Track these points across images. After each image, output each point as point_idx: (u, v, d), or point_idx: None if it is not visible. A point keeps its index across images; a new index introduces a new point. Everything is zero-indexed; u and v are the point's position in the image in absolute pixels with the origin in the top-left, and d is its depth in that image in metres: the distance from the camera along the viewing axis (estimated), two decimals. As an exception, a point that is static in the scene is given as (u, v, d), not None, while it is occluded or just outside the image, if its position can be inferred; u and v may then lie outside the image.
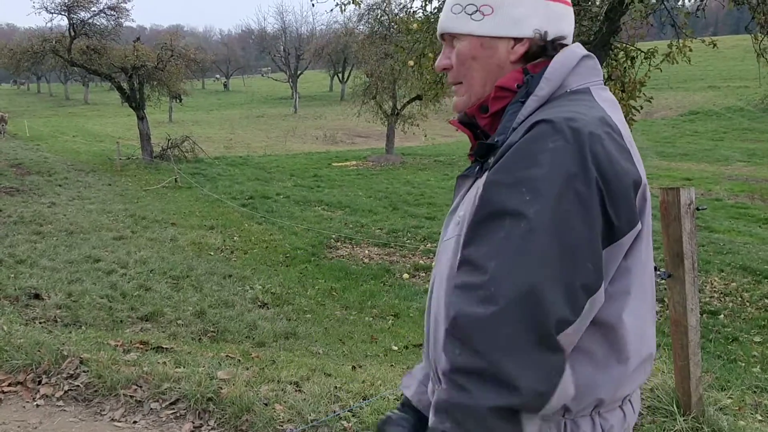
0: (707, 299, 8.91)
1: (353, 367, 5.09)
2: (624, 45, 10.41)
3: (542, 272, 1.03)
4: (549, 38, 1.28)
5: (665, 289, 3.65)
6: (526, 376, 1.01)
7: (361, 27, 30.94)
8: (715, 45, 10.54)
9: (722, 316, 8.26)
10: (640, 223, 1.13)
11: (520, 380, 1.01)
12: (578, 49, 1.28)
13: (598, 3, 9.77)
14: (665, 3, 10.31)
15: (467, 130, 1.39)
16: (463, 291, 1.07)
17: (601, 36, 9.37)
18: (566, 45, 1.30)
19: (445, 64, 1.36)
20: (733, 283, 9.58)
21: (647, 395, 3.69)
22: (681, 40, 10.09)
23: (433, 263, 1.42)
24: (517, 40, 1.28)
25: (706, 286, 9.45)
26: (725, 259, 10.77)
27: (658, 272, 3.42)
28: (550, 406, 1.06)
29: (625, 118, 7.19)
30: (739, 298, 8.98)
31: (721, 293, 9.22)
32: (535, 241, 1.03)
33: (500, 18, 1.27)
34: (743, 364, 6.45)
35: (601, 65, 9.80)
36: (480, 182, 1.21)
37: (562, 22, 1.30)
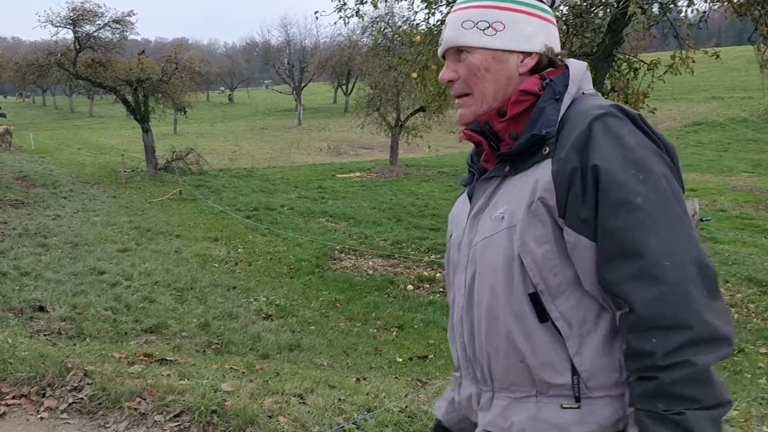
0: (713, 310, 8.88)
1: (357, 379, 5.08)
2: (627, 56, 10.44)
3: (688, 231, 1.19)
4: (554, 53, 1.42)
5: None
6: (726, 324, 1.15)
7: (365, 39, 31.08)
8: (718, 56, 10.55)
9: (728, 327, 8.23)
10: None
11: (724, 329, 1.14)
12: (580, 61, 1.42)
13: (601, 15, 9.81)
14: (668, 14, 10.35)
15: (481, 138, 1.45)
16: (632, 281, 1.16)
17: (604, 47, 9.41)
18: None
19: (452, 76, 1.43)
20: (739, 294, 9.56)
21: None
22: (684, 51, 10.11)
23: (460, 264, 1.44)
24: (526, 54, 1.40)
25: (711, 298, 9.41)
26: (730, 270, 10.74)
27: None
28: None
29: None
30: (745, 309, 8.95)
31: (727, 304, 9.18)
32: (671, 209, 1.18)
33: (513, 34, 1.39)
34: (749, 376, 6.41)
35: (605, 76, 9.84)
36: (523, 177, 1.32)
37: (556, 41, 1.45)
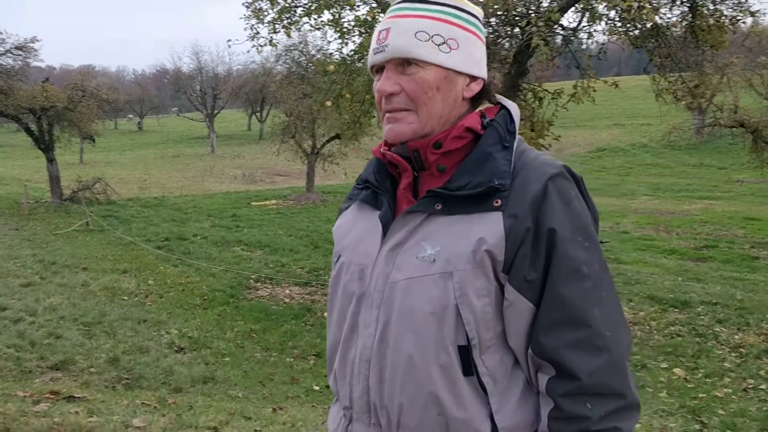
0: (617, 329, 9.25)
1: (274, 410, 5.04)
2: (532, 86, 10.84)
3: (617, 300, 1.27)
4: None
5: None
6: (638, 392, 1.25)
7: (279, 67, 31.05)
8: (617, 85, 11.11)
9: (632, 344, 8.59)
10: None
11: (638, 397, 1.25)
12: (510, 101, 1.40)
13: (507, 46, 10.17)
14: (570, 46, 10.85)
15: (405, 163, 1.34)
16: (576, 348, 1.19)
17: (510, 78, 9.77)
18: None
19: (395, 89, 1.30)
20: (642, 312, 9.99)
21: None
22: (585, 81, 10.61)
23: (368, 297, 1.32)
24: (473, 78, 1.33)
25: (616, 316, 9.80)
26: (633, 290, 11.23)
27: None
28: None
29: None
30: (647, 327, 9.37)
31: (630, 322, 9.59)
32: (607, 279, 1.25)
33: (465, 54, 1.31)
34: (651, 390, 6.71)
35: (511, 106, 10.30)
36: (460, 221, 1.25)
37: None
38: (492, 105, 1.39)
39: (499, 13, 9.63)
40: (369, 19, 10.13)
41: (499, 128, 1.31)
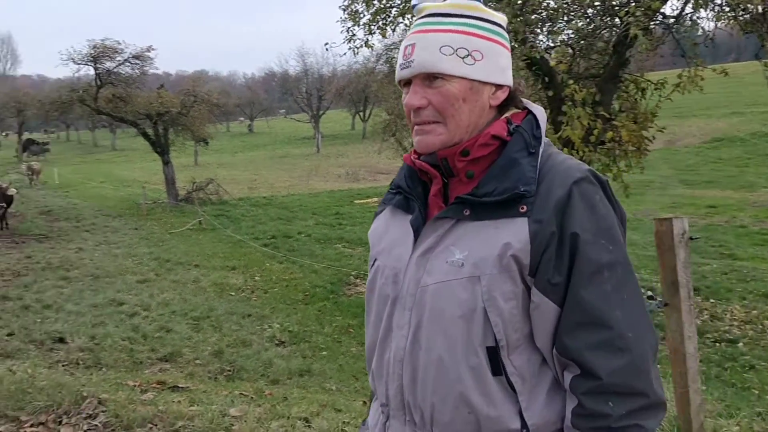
0: (726, 327, 8.84)
1: (364, 402, 5.16)
2: (634, 77, 10.49)
3: (642, 301, 1.29)
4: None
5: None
6: (663, 390, 1.27)
7: (380, 66, 31.38)
8: (726, 73, 10.55)
9: (741, 344, 8.18)
10: None
11: (664, 396, 1.27)
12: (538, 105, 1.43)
13: (605, 37, 9.90)
14: (674, 34, 10.40)
15: (434, 171, 1.38)
16: (598, 349, 1.23)
17: (609, 69, 9.50)
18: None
19: (422, 103, 1.34)
20: (755, 311, 9.49)
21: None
22: (692, 70, 10.14)
23: (400, 301, 1.38)
24: (498, 86, 1.37)
25: (726, 315, 9.37)
26: (748, 287, 10.68)
27: (654, 301, 3.50)
28: None
29: (638, 148, 7.09)
30: (760, 326, 8.88)
31: (742, 321, 9.13)
32: (631, 282, 1.28)
33: (490, 65, 1.35)
34: (757, 392, 6.39)
35: (612, 97, 9.88)
36: (487, 227, 1.29)
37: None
38: (519, 110, 1.42)
39: (596, 3, 9.39)
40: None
41: (525, 134, 1.35)
